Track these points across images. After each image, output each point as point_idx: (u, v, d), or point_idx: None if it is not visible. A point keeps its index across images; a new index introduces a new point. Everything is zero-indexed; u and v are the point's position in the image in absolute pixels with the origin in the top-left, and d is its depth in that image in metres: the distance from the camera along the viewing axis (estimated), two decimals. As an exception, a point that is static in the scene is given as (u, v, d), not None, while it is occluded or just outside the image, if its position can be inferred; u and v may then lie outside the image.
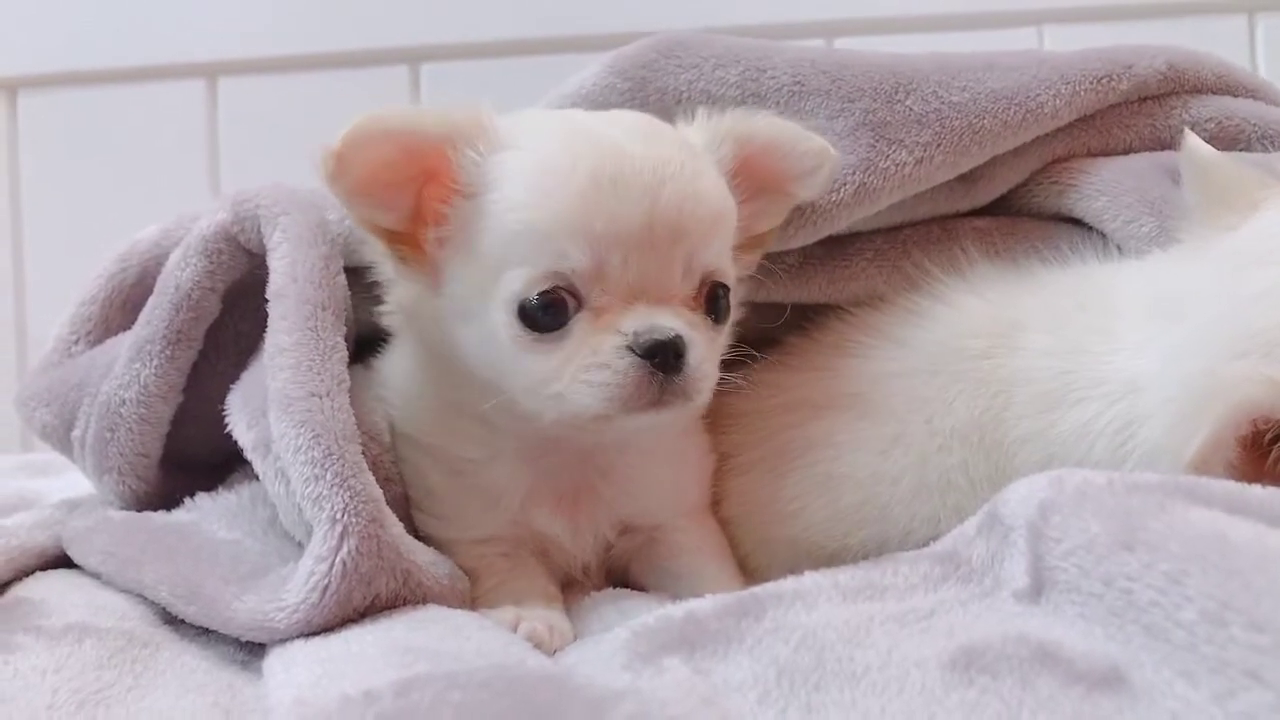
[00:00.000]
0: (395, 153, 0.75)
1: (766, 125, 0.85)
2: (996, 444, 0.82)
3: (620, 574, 0.91)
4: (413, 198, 0.77)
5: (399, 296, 0.85)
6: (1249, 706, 0.44)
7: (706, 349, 0.76)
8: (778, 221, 0.89)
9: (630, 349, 0.72)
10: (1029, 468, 0.77)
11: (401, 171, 0.76)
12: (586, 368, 0.73)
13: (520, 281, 0.73)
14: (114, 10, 1.68)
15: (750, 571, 0.90)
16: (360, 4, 1.68)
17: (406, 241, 0.79)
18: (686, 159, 0.76)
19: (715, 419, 0.92)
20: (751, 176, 0.84)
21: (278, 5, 1.68)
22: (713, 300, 0.78)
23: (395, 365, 0.90)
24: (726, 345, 0.82)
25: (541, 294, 0.73)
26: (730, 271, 0.80)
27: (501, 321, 0.75)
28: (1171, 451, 0.70)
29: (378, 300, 0.92)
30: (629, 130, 0.77)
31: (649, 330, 0.72)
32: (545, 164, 0.74)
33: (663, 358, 0.72)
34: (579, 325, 0.74)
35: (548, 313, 0.73)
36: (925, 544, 0.72)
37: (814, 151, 0.86)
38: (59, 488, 1.10)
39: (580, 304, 0.74)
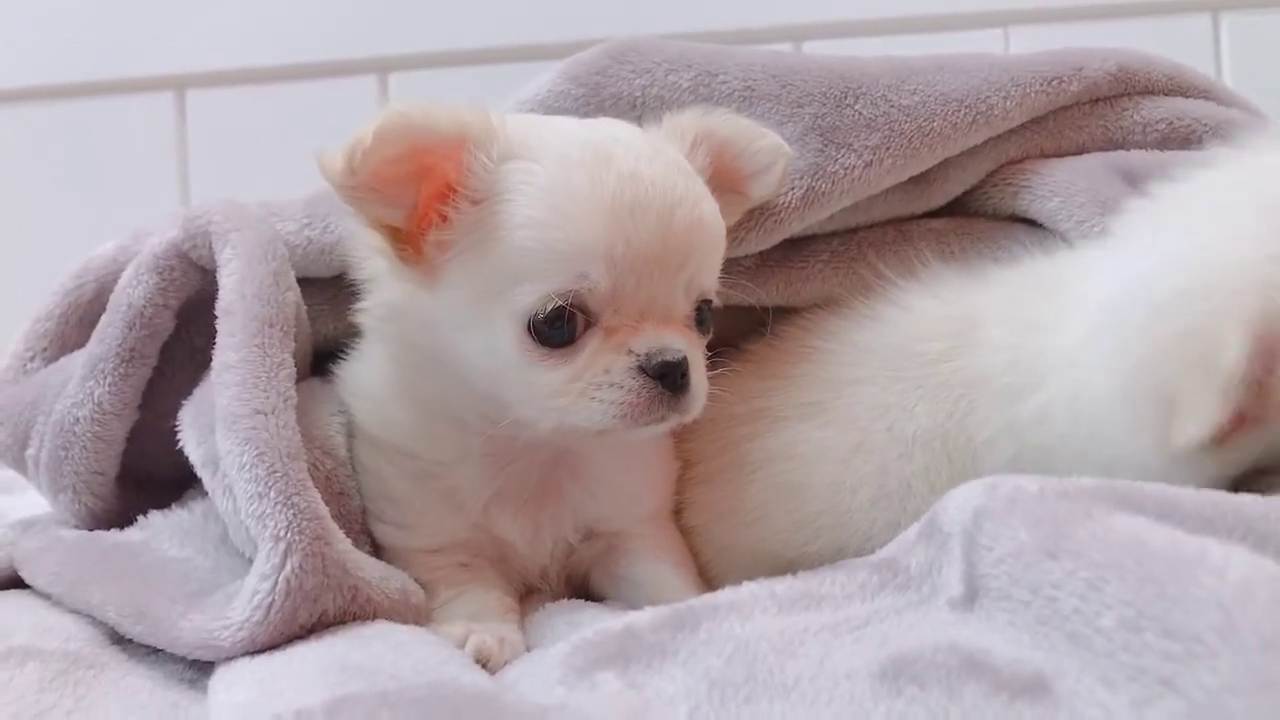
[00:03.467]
0: (403, 149, 0.74)
1: (723, 123, 0.86)
2: (960, 449, 0.81)
3: (581, 582, 0.91)
4: (414, 195, 0.76)
5: (385, 296, 0.83)
6: (1164, 715, 0.44)
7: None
8: (730, 222, 0.88)
9: (642, 369, 0.74)
10: (999, 467, 0.76)
11: (403, 167, 0.75)
12: (598, 385, 0.74)
13: (533, 297, 0.73)
14: (81, 24, 1.68)
15: (710, 580, 0.89)
16: (327, 15, 1.67)
17: (407, 241, 0.78)
18: (690, 183, 0.78)
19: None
20: (714, 176, 0.84)
21: (245, 17, 1.67)
22: (699, 314, 0.80)
23: (363, 367, 0.89)
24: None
25: (553, 309, 0.73)
26: (715, 287, 0.81)
27: (507, 333, 0.75)
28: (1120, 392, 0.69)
29: (340, 311, 0.92)
30: (634, 150, 0.77)
31: (660, 352, 0.74)
32: (565, 184, 0.74)
33: (671, 378, 0.74)
34: (590, 343, 0.74)
35: (557, 328, 0.74)
36: (883, 550, 0.71)
37: (768, 149, 0.86)
38: (21, 505, 1.09)
39: (590, 322, 0.74)
